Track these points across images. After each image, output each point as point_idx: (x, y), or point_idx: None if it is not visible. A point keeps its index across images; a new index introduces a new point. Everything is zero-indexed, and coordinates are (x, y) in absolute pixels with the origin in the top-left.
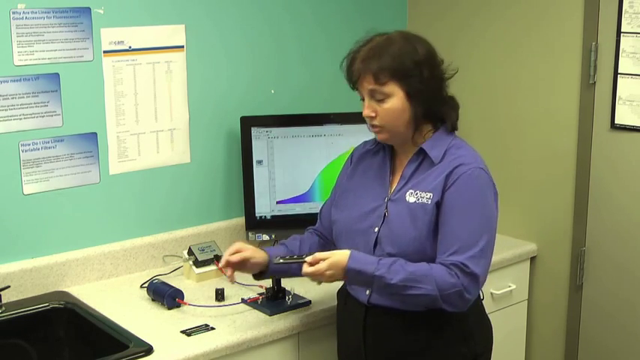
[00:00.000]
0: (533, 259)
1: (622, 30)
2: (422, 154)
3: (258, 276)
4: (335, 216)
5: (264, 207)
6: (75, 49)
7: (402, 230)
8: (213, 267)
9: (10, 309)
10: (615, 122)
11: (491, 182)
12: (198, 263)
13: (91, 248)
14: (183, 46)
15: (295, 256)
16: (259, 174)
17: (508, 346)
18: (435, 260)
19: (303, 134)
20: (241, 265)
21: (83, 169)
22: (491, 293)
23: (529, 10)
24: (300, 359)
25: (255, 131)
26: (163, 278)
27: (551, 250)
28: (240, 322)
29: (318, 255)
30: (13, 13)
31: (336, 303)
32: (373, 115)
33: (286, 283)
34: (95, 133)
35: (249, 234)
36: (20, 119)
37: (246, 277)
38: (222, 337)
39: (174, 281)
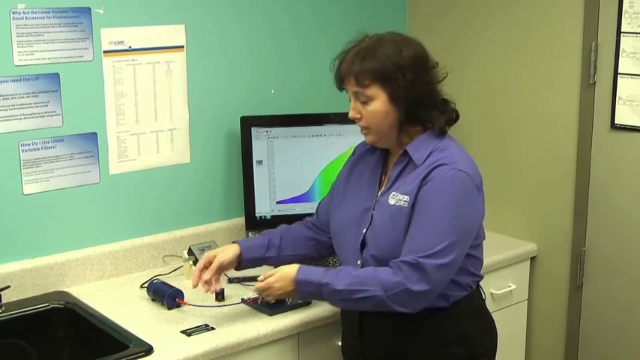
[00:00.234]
0: (533, 259)
1: (622, 30)
2: (407, 157)
3: (237, 267)
4: (332, 214)
5: (264, 207)
6: (75, 49)
7: (382, 233)
8: None
9: (10, 309)
10: (615, 122)
11: (472, 184)
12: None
13: (91, 248)
14: (183, 46)
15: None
16: (259, 174)
17: (508, 346)
18: None
19: (303, 134)
20: (218, 272)
21: (83, 169)
22: (491, 293)
23: (529, 10)
24: (300, 359)
25: (255, 131)
26: (163, 278)
27: (551, 250)
28: (240, 322)
29: (267, 272)
30: (13, 13)
31: None
32: (358, 116)
33: None
34: (95, 133)
35: (249, 234)
36: (20, 119)
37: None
38: (222, 337)
39: (174, 281)
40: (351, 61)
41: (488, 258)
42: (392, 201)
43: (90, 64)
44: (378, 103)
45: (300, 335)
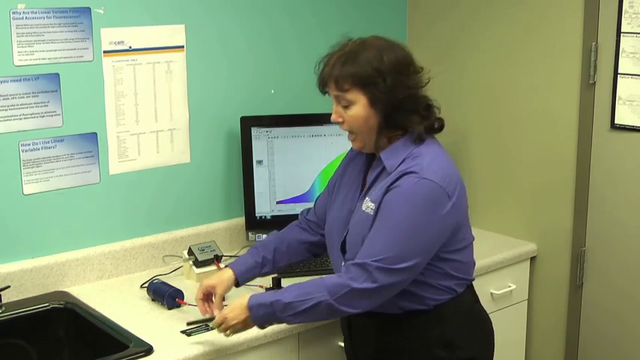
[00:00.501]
0: (533, 259)
1: (622, 30)
2: (382, 163)
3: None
4: (326, 215)
5: (264, 207)
6: (75, 49)
7: (355, 238)
8: (213, 267)
9: (10, 309)
10: (615, 122)
11: (439, 192)
12: (198, 263)
13: (91, 248)
14: (183, 46)
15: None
16: (259, 174)
17: (508, 346)
18: None
19: (303, 134)
20: (220, 302)
21: (83, 169)
22: (491, 293)
23: (529, 11)
24: (300, 359)
25: (255, 131)
26: (163, 278)
27: (551, 250)
28: None
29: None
30: (13, 13)
31: None
32: (340, 120)
33: (286, 284)
34: (95, 133)
35: (249, 234)
36: (20, 119)
37: None
38: (222, 337)
39: (175, 281)
40: (332, 65)
41: (488, 258)
42: (363, 207)
43: (90, 64)
44: (359, 107)
45: (300, 335)
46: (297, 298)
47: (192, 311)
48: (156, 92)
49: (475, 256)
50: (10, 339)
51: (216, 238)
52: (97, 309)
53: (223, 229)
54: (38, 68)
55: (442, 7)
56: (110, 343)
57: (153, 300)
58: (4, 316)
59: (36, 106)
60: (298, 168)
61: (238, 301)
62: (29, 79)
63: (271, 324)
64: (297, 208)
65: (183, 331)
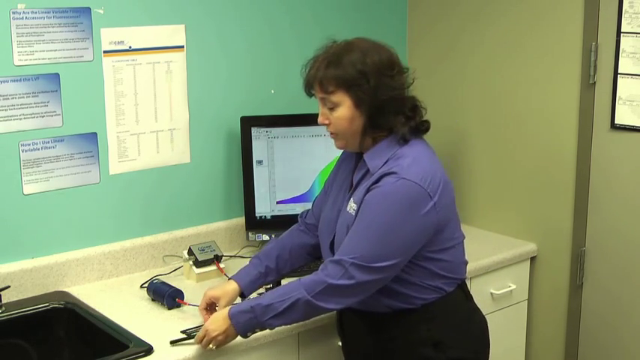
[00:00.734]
0: (533, 259)
1: (622, 30)
2: (367, 164)
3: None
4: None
5: (264, 207)
6: (75, 49)
7: (341, 239)
8: (213, 267)
9: (10, 309)
10: (615, 122)
11: (418, 193)
12: (198, 263)
13: (91, 248)
14: (183, 46)
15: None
16: (259, 174)
17: (508, 346)
18: None
19: (303, 134)
20: None
21: (83, 169)
22: (491, 293)
23: (529, 11)
24: (300, 359)
25: (255, 131)
26: (163, 278)
27: (551, 250)
28: None
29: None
30: (13, 13)
31: None
32: (327, 122)
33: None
34: (95, 133)
35: (249, 234)
36: (20, 119)
37: None
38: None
39: (175, 281)
40: (317, 68)
41: (488, 258)
42: (348, 208)
43: (90, 64)
44: (344, 109)
45: (300, 335)
46: (276, 299)
47: (192, 311)
48: (156, 92)
49: (475, 256)
50: (10, 339)
51: (216, 238)
52: (97, 309)
53: (223, 229)
54: (38, 68)
55: (442, 7)
56: (110, 343)
57: (153, 300)
58: (4, 316)
59: (36, 106)
60: (298, 168)
61: (219, 313)
62: (29, 79)
63: (254, 332)
64: (297, 208)
65: (183, 331)
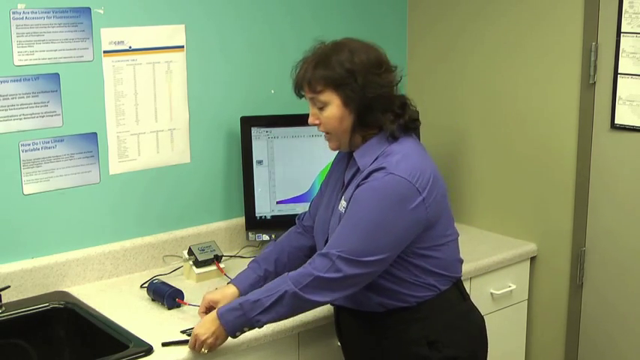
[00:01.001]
0: (533, 259)
1: (622, 30)
2: (356, 162)
3: None
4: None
5: (264, 207)
6: (75, 49)
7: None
8: (213, 267)
9: (10, 309)
10: (615, 122)
11: (407, 188)
12: (198, 263)
13: (91, 248)
14: (183, 46)
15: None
16: (259, 174)
17: (508, 346)
18: None
19: (303, 134)
20: None
21: (83, 169)
22: (491, 293)
23: (529, 11)
24: (300, 359)
25: (255, 131)
26: (163, 278)
27: (551, 250)
28: None
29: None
30: (13, 13)
31: None
32: (317, 122)
33: None
34: (95, 133)
35: (249, 234)
36: (20, 119)
37: None
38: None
39: (174, 281)
40: (305, 69)
41: (488, 258)
42: (339, 206)
43: (90, 64)
44: (333, 108)
45: (300, 335)
46: (264, 294)
47: (192, 311)
48: (156, 92)
49: (475, 256)
50: (10, 339)
51: (216, 238)
52: (97, 309)
53: (223, 229)
54: (38, 68)
55: (442, 7)
56: (110, 343)
57: (153, 300)
58: (4, 316)
59: (36, 106)
60: (298, 168)
61: (207, 315)
62: (29, 79)
63: (243, 331)
64: (297, 208)
65: (183, 331)
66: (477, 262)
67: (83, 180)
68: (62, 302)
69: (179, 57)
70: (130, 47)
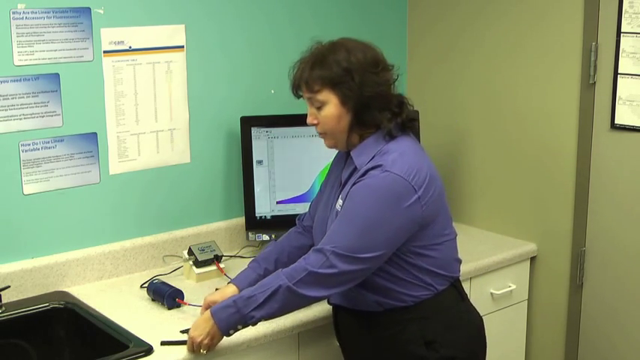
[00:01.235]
0: (533, 259)
1: (622, 30)
2: (353, 161)
3: None
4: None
5: (264, 207)
6: (75, 49)
7: None
8: (213, 267)
9: (10, 309)
10: (615, 122)
11: (403, 186)
12: (198, 263)
13: (91, 248)
14: (183, 46)
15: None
16: (259, 174)
17: (508, 346)
18: None
19: (303, 134)
20: None
21: (83, 169)
22: (491, 293)
23: (529, 11)
24: (300, 359)
25: (255, 131)
26: (163, 278)
27: (551, 250)
28: None
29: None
30: (13, 13)
31: None
32: (315, 122)
33: None
34: (95, 133)
35: (249, 234)
36: (20, 119)
37: None
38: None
39: (174, 281)
40: (302, 69)
41: (488, 258)
42: (337, 205)
43: (90, 64)
44: (331, 107)
45: (300, 335)
46: (258, 290)
47: (192, 311)
48: (156, 92)
49: (475, 256)
50: (10, 339)
51: (216, 238)
52: (97, 309)
53: (223, 229)
54: (38, 68)
55: (442, 7)
56: (110, 343)
57: (153, 300)
58: (4, 316)
59: (36, 106)
60: (298, 168)
61: (201, 316)
62: (29, 79)
63: (237, 329)
64: (297, 208)
65: (183, 331)
66: (477, 262)
67: (83, 180)
68: (62, 302)
69: (179, 57)
70: (130, 47)
